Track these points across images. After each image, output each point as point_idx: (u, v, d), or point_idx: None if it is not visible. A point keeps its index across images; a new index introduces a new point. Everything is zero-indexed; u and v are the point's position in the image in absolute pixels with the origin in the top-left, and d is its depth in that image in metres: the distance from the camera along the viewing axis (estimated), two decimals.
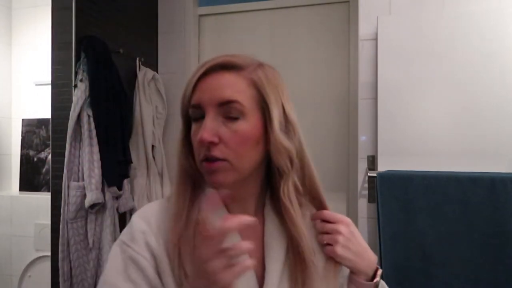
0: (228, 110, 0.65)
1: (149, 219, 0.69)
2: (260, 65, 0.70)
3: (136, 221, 0.69)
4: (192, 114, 0.68)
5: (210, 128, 0.64)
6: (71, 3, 1.69)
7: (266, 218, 0.73)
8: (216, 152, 0.64)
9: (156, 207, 0.72)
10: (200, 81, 0.67)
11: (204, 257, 0.53)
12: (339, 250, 0.71)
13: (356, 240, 0.73)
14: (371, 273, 0.75)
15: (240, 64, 0.67)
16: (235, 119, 0.65)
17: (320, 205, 0.75)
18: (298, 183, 0.71)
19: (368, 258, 0.75)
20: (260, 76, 0.67)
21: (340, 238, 0.72)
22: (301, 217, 0.70)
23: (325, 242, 0.73)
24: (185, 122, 0.71)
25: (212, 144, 0.64)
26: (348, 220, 0.75)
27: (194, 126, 0.68)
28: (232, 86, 0.65)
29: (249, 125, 0.65)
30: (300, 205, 0.72)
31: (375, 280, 0.74)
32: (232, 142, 0.64)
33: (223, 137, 0.64)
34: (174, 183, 0.71)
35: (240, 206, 0.72)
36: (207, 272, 0.52)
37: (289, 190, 0.69)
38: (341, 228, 0.72)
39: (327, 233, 0.73)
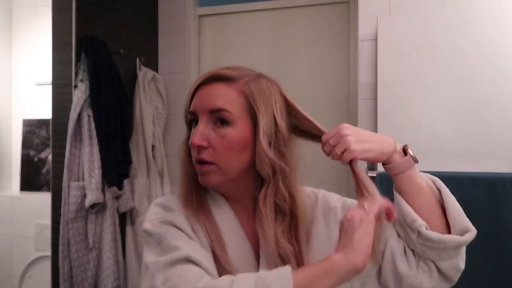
0: (218, 117, 0.71)
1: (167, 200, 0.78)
2: (257, 77, 0.75)
3: (154, 204, 0.77)
4: (190, 120, 0.75)
5: (200, 133, 0.71)
6: (71, 3, 1.69)
7: None
8: (205, 156, 0.71)
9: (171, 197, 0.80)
10: (197, 91, 0.74)
11: (368, 231, 0.65)
12: (353, 146, 0.70)
13: (364, 132, 0.73)
14: (399, 150, 0.75)
15: (232, 76, 0.73)
16: (224, 125, 0.71)
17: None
18: (284, 190, 0.73)
19: (386, 139, 0.74)
20: (251, 88, 0.72)
21: (349, 138, 0.70)
22: (273, 222, 0.72)
23: (339, 152, 0.71)
24: (188, 127, 0.77)
25: (201, 148, 0.71)
26: (344, 124, 0.74)
27: (191, 131, 0.75)
28: (223, 96, 0.72)
29: (236, 131, 0.71)
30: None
31: (409, 154, 0.75)
32: (220, 146, 0.71)
33: (212, 142, 0.71)
34: (179, 182, 0.78)
35: (240, 203, 0.77)
36: (367, 243, 0.65)
37: (266, 198, 0.73)
38: (343, 131, 0.71)
39: (335, 146, 0.72)
